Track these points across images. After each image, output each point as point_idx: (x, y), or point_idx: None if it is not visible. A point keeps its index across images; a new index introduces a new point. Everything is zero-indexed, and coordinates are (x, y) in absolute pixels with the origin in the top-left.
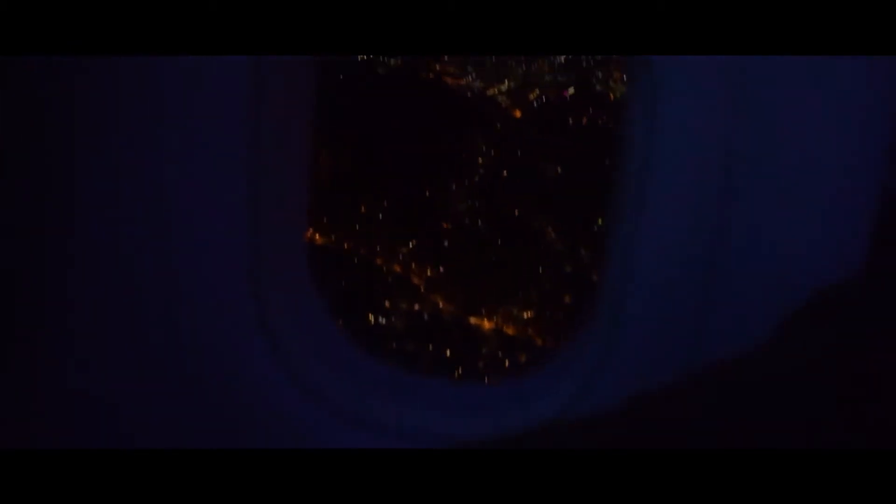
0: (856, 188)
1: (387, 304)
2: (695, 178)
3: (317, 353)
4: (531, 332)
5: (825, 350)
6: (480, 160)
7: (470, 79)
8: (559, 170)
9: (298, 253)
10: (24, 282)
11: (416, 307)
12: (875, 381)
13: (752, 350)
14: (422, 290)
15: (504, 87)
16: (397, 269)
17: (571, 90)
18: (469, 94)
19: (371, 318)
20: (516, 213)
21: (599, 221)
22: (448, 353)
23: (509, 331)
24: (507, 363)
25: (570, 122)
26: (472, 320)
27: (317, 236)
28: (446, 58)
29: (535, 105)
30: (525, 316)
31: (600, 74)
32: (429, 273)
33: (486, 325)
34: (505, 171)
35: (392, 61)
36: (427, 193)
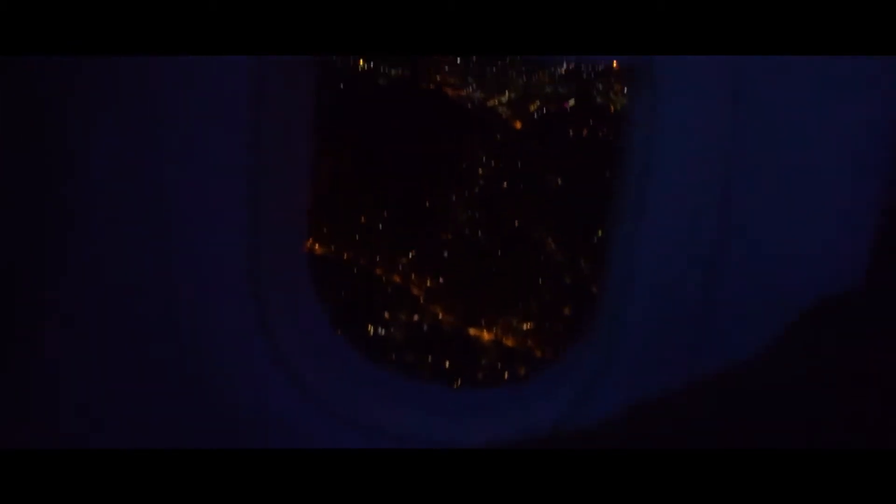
0: (857, 189)
1: (386, 314)
2: (695, 180)
3: (316, 355)
4: (530, 343)
5: (826, 351)
6: (481, 171)
7: (471, 89)
8: (559, 181)
9: (298, 254)
10: (24, 282)
11: (416, 318)
12: (875, 381)
13: (752, 354)
14: (421, 300)
15: (505, 98)
16: (397, 279)
17: (572, 102)
18: (470, 104)
19: (370, 328)
20: (516, 223)
21: (599, 233)
22: (447, 364)
23: (508, 342)
24: (506, 374)
25: (571, 133)
26: (472, 331)
27: (316, 246)
28: (447, 68)
29: (536, 116)
30: (524, 327)
31: (601, 86)
32: (428, 283)
33: (486, 336)
34: (505, 182)
35: (393, 71)
36: (427, 204)
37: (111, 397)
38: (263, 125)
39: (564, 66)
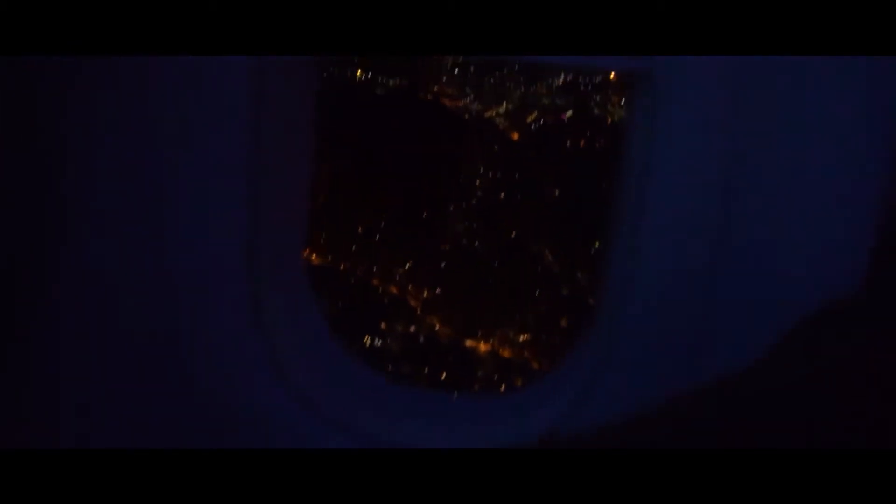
0: (857, 189)
1: (383, 325)
2: (695, 181)
3: (313, 357)
4: (527, 354)
5: (826, 351)
6: (478, 182)
7: (468, 100)
8: (557, 192)
9: (297, 254)
10: (23, 282)
11: (413, 329)
12: (875, 381)
13: (752, 354)
14: (418, 311)
15: (502, 109)
16: (394, 290)
17: (570, 113)
18: (467, 115)
19: (367, 339)
20: (514, 235)
21: (596, 244)
22: (444, 375)
23: (505, 353)
24: (502, 386)
25: (568, 144)
26: (469, 343)
27: (313, 256)
28: (445, 78)
29: (534, 127)
30: (521, 339)
31: (598, 97)
32: (425, 294)
33: (483, 347)
34: (503, 193)
35: (391, 81)
36: (424, 214)
37: (110, 397)
38: (263, 125)
39: (562, 77)
